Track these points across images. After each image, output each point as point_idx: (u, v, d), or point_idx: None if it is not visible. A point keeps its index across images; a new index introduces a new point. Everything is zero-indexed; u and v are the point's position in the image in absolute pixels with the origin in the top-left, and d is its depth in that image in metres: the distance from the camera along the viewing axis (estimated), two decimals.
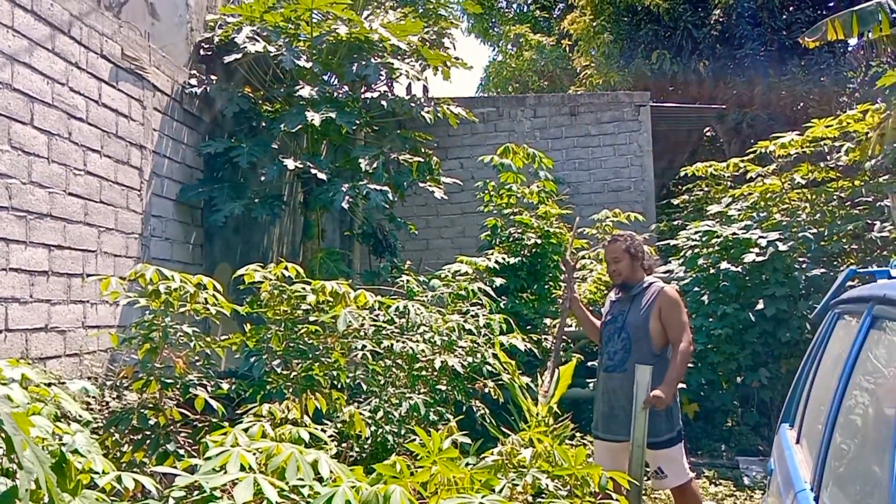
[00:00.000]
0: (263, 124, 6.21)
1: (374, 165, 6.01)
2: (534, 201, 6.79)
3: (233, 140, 5.93)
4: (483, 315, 4.25)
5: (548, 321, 6.29)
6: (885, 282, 2.25)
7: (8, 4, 3.87)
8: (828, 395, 2.14)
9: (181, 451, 2.79)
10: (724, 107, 12.08)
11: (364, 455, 3.36)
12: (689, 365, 4.51)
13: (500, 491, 2.03)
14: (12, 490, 1.46)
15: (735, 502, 4.86)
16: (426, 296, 4.55)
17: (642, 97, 9.26)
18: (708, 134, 13.70)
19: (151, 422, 2.86)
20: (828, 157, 7.48)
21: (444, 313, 4.09)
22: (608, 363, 3.81)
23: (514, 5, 20.77)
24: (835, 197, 6.94)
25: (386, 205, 5.86)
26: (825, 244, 6.36)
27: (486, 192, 6.91)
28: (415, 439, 3.05)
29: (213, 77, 5.99)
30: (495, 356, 4.02)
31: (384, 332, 3.69)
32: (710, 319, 6.10)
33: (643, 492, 3.94)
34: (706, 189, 8.64)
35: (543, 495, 2.10)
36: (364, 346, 3.46)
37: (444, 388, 3.90)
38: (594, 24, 14.45)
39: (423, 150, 6.77)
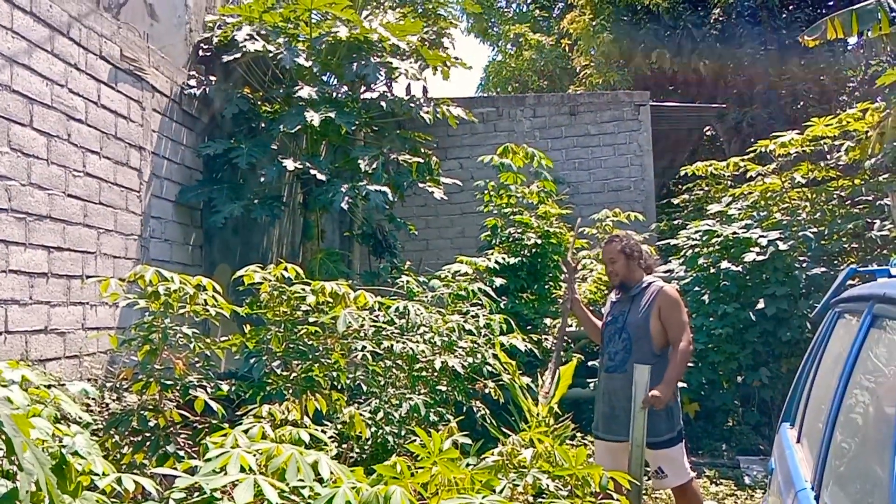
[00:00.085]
0: (263, 125, 6.21)
1: (374, 166, 6.00)
2: (534, 201, 6.79)
3: (232, 141, 5.93)
4: (483, 315, 4.24)
5: (548, 321, 6.29)
6: (885, 280, 2.25)
7: (7, 6, 3.87)
8: (828, 394, 2.14)
9: (181, 453, 2.79)
10: (724, 106, 12.08)
11: (364, 456, 3.35)
12: (690, 364, 4.51)
13: (501, 491, 2.03)
14: (13, 492, 1.46)
15: (736, 502, 4.85)
16: (426, 296, 4.55)
17: (642, 96, 9.26)
18: (708, 133, 13.71)
19: (151, 423, 2.85)
20: (828, 156, 7.49)
21: (444, 314, 4.09)
22: (609, 364, 3.81)
23: (514, 5, 20.79)
24: (835, 196, 6.95)
25: (385, 205, 5.86)
26: (825, 243, 6.36)
27: (486, 192, 6.91)
28: (415, 440, 3.05)
29: (212, 78, 5.99)
30: (495, 356, 4.02)
31: (384, 332, 3.69)
32: (711, 319, 6.10)
33: (644, 491, 3.94)
34: (706, 188, 8.65)
35: (544, 495, 2.10)
36: (364, 347, 3.46)
37: (444, 388, 3.90)
38: (594, 23, 14.46)
39: (422, 150, 6.77)
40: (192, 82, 5.84)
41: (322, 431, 2.51)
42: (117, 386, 4.06)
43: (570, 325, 5.62)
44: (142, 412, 2.87)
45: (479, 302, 4.54)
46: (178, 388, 2.95)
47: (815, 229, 6.28)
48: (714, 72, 13.58)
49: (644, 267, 3.88)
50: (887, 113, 6.31)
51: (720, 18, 13.64)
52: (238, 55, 5.80)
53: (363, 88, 6.64)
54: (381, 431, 3.42)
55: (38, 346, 4.04)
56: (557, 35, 16.93)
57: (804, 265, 6.10)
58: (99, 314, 4.60)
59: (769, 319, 5.94)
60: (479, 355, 3.95)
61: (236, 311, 3.15)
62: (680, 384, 4.06)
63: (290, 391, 3.17)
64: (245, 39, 5.75)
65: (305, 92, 5.69)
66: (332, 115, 5.61)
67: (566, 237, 6.61)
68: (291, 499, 1.77)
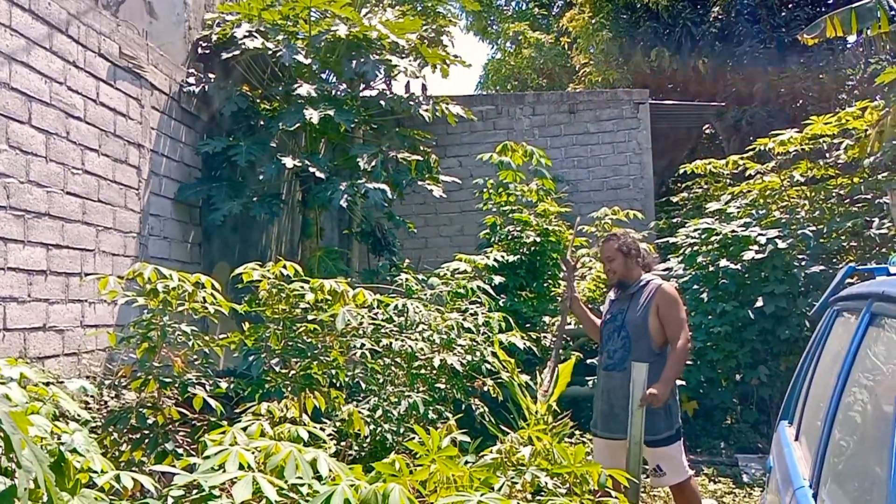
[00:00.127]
0: (262, 123, 6.20)
1: (373, 164, 6.00)
2: (533, 199, 6.79)
3: (231, 139, 5.92)
4: (482, 313, 4.24)
5: (547, 319, 6.29)
6: (883, 279, 2.25)
7: (6, 3, 3.86)
8: (827, 392, 2.14)
9: (180, 450, 2.79)
10: (723, 104, 12.08)
11: (363, 453, 3.36)
12: (688, 362, 4.52)
13: (500, 489, 2.03)
14: (11, 489, 1.46)
15: (734, 499, 4.86)
16: (425, 294, 4.55)
17: (641, 95, 9.25)
18: (707, 131, 13.70)
19: (150, 421, 2.86)
20: (827, 155, 7.49)
21: (443, 311, 4.09)
22: (608, 362, 3.81)
23: (513, 3, 20.78)
24: (834, 194, 6.95)
25: (384, 203, 5.86)
26: (824, 241, 6.37)
27: (485, 190, 6.91)
28: (414, 438, 3.04)
29: (211, 76, 5.98)
30: (494, 354, 4.02)
31: (383, 330, 3.69)
32: (710, 317, 6.11)
33: (642, 489, 3.94)
34: (705, 186, 8.66)
35: (542, 493, 2.10)
36: (363, 345, 3.46)
37: (443, 386, 3.90)
38: (593, 21, 14.45)
39: (421, 148, 6.77)
40: (191, 80, 5.83)
41: (321, 429, 2.50)
42: (116, 383, 4.06)
43: (569, 324, 5.62)
44: (140, 410, 2.87)
45: (478, 300, 4.54)
46: (176, 385, 2.95)
47: (814, 227, 6.29)
48: (713, 70, 13.56)
49: (642, 265, 3.89)
50: (886, 111, 6.31)
51: (719, 17, 13.63)
52: (237, 53, 5.79)
53: (362, 86, 6.64)
54: (379, 429, 3.42)
55: (37, 344, 4.04)
56: (557, 33, 16.92)
57: (803, 263, 6.10)
58: (98, 312, 4.59)
59: (768, 318, 5.95)
60: (477, 353, 3.95)
61: (235, 308, 3.15)
62: (678, 382, 4.06)
63: (289, 389, 3.17)
64: (244, 37, 5.74)
65: (304, 90, 5.69)
66: (332, 112, 5.61)
67: (565, 235, 6.61)
68: (290, 496, 1.77)
